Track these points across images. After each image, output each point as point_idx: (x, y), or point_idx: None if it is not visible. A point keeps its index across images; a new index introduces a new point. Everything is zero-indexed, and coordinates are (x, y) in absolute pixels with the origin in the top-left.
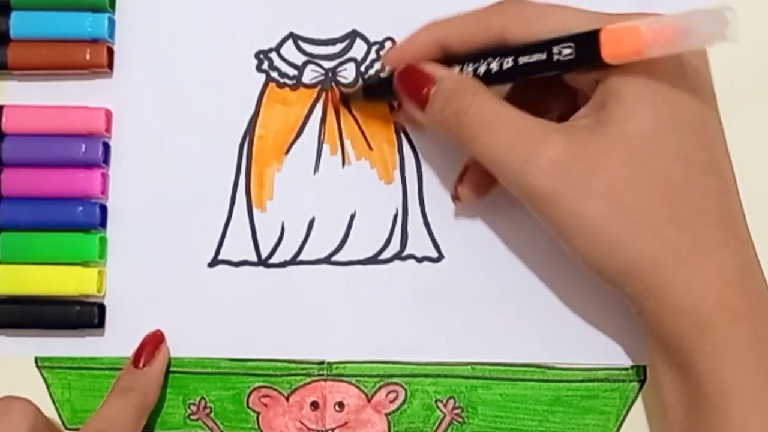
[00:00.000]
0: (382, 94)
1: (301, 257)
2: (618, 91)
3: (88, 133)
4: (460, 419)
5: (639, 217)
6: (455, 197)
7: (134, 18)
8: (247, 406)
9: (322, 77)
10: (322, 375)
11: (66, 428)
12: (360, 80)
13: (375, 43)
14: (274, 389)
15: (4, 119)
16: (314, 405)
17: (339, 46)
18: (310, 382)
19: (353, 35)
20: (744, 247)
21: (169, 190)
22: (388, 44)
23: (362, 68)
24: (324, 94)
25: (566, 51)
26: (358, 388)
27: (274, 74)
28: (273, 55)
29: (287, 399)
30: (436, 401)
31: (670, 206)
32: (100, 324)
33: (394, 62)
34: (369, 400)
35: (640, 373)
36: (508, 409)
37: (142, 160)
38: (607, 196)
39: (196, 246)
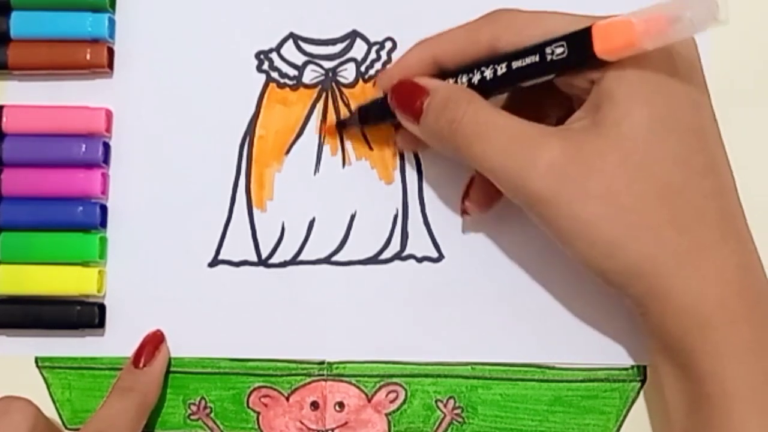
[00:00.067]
0: (378, 117)
1: (302, 257)
2: (612, 92)
3: (88, 133)
4: (460, 419)
5: (637, 218)
6: (463, 211)
7: (134, 18)
8: (247, 406)
9: (323, 77)
10: (322, 375)
11: (66, 428)
12: (361, 81)
13: (375, 43)
14: (274, 389)
15: (4, 119)
16: (314, 405)
17: (339, 46)
18: (310, 382)
19: (353, 35)
20: (744, 246)
21: (169, 190)
22: (388, 44)
23: (362, 68)
24: (324, 95)
25: (559, 50)
26: (358, 388)
27: (275, 74)
28: (273, 56)
29: (287, 399)
30: (436, 401)
31: (669, 208)
32: (101, 324)
33: (387, 83)
34: (369, 400)
35: (640, 373)
36: (508, 409)
37: (142, 160)
38: (605, 198)
39: (196, 246)
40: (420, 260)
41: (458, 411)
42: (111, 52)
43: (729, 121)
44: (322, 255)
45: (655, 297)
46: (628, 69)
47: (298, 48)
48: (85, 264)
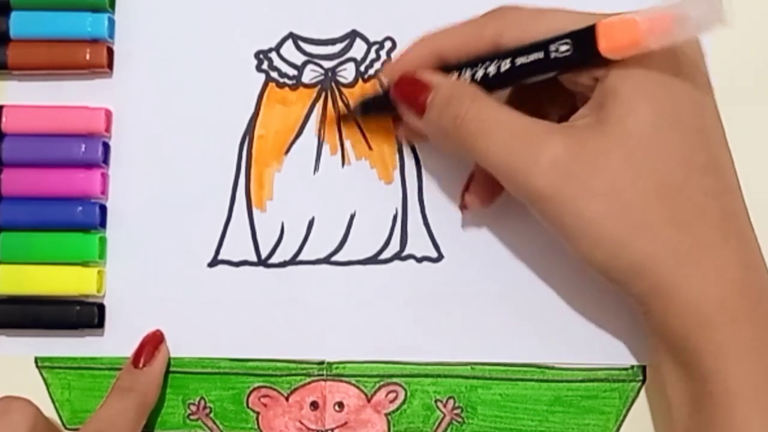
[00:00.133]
0: (380, 109)
1: (301, 257)
2: (617, 90)
3: (88, 133)
4: (459, 419)
5: (640, 216)
6: (462, 206)
7: (134, 18)
8: (247, 406)
9: (322, 77)
10: (322, 375)
11: (66, 428)
12: (360, 81)
13: (375, 43)
14: (274, 389)
15: (4, 119)
16: (314, 405)
17: (339, 46)
18: (309, 382)
19: (353, 35)
20: (746, 245)
21: (169, 190)
22: (387, 44)
23: (362, 68)
24: (324, 94)
25: (563, 48)
26: (357, 388)
27: (274, 74)
28: (273, 55)
29: (287, 399)
30: (435, 401)
31: (670, 206)
32: (100, 324)
33: (390, 76)
34: (369, 400)
35: (641, 373)
36: (508, 409)
37: (142, 160)
38: (609, 196)
39: (195, 246)
40: (419, 260)
41: (458, 411)
42: (110, 52)
43: (729, 119)
44: (322, 255)
45: (658, 295)
46: (633, 67)
47: (298, 48)
48: (84, 264)
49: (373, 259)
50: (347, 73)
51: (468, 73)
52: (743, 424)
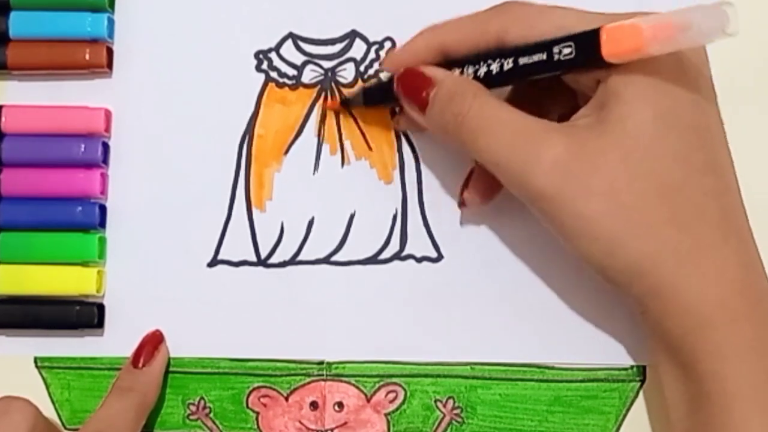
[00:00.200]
0: (382, 99)
1: (301, 257)
2: (618, 91)
3: (87, 133)
4: (459, 419)
5: (638, 216)
6: (461, 203)
7: (134, 18)
8: (247, 406)
9: (322, 77)
10: (322, 375)
11: (65, 428)
12: (360, 81)
13: (374, 43)
14: (274, 389)
15: (3, 119)
16: (314, 405)
17: (338, 46)
18: (309, 382)
19: (353, 35)
20: (745, 245)
21: (169, 190)
22: (387, 44)
23: (361, 68)
24: (323, 94)
25: (566, 50)
26: (357, 388)
27: (274, 74)
28: (272, 55)
29: (287, 399)
30: (435, 401)
31: (670, 206)
32: (100, 324)
33: (393, 66)
34: (368, 400)
35: (640, 373)
36: (508, 409)
37: (142, 160)
38: (608, 195)
39: (195, 246)
40: (419, 260)
41: (457, 411)
42: (110, 52)
43: (729, 119)
44: (322, 255)
45: (656, 296)
46: (636, 71)
47: (298, 48)
48: (84, 264)
49: (373, 259)
50: (347, 73)
51: (471, 70)
52: (742, 424)
